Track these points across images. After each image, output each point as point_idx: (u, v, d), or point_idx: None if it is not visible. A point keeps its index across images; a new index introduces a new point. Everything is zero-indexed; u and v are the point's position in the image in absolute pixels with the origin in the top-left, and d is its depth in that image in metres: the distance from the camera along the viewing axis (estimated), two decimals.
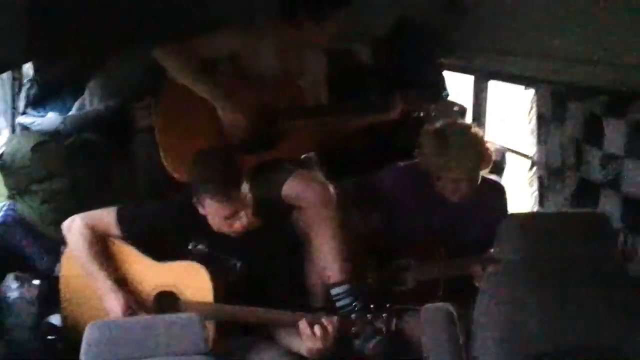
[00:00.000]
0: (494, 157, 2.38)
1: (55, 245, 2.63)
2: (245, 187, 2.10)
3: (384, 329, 1.97)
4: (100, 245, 2.16)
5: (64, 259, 2.25)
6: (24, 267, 2.57)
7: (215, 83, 2.46)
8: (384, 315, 1.97)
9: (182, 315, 1.98)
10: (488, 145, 2.34)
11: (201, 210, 2.12)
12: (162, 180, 2.65)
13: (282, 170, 2.43)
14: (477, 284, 2.25)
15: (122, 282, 2.14)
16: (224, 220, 2.10)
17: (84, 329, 1.69)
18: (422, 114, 2.65)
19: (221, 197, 2.05)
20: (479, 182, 2.36)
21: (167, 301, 2.15)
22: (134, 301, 2.12)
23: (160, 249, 2.17)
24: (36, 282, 2.45)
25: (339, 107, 2.70)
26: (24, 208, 2.67)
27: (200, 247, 2.17)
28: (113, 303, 2.09)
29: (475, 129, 2.36)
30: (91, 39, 2.90)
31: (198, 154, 2.17)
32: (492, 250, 2.22)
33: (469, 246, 2.39)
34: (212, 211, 2.10)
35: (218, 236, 2.16)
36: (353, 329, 1.99)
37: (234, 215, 2.08)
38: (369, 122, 2.69)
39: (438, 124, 2.37)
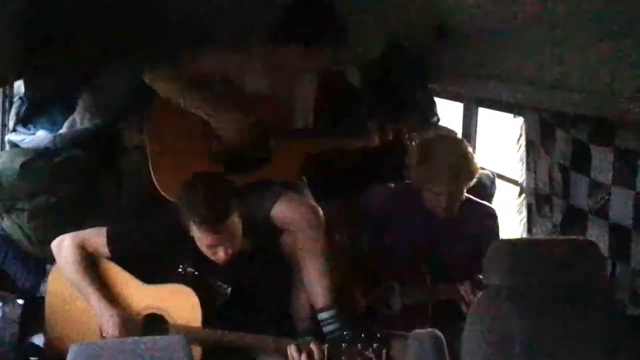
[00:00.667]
0: (478, 174, 2.38)
1: (40, 265, 2.61)
2: (235, 220, 2.08)
3: (374, 359, 1.95)
4: (91, 265, 2.15)
5: (51, 279, 2.23)
6: (8, 286, 2.53)
7: (206, 98, 2.45)
8: (374, 344, 1.96)
9: (167, 336, 1.95)
10: (474, 160, 2.35)
11: (191, 232, 2.11)
12: (150, 199, 2.64)
13: (271, 192, 2.43)
14: (463, 309, 2.26)
15: (111, 302, 2.12)
16: (208, 249, 2.10)
17: (67, 350, 1.66)
18: (412, 142, 2.67)
19: (206, 227, 2.04)
20: (462, 198, 2.37)
21: (155, 324, 2.13)
22: (127, 320, 2.10)
23: (150, 271, 2.16)
24: (20, 301, 2.42)
25: (323, 131, 2.71)
26: (10, 226, 2.65)
27: (190, 269, 2.16)
28: (108, 322, 2.08)
29: (463, 144, 2.38)
30: (82, 56, 2.91)
31: (192, 177, 2.14)
32: (480, 275, 2.24)
33: (457, 270, 2.39)
34: (197, 237, 2.09)
35: (207, 259, 2.15)
36: (343, 358, 1.97)
37: (217, 245, 2.08)
38: (352, 147, 2.71)
39: (426, 136, 2.40)
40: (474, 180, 2.35)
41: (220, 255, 2.10)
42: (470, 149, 2.38)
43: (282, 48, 2.47)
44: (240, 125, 2.45)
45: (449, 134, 2.75)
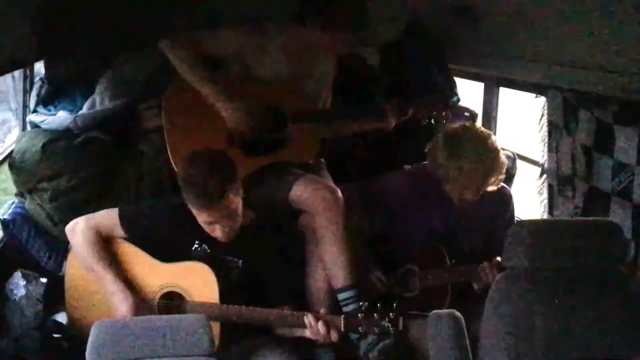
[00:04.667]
0: (505, 169, 2.34)
1: (62, 244, 2.64)
2: (231, 198, 2.05)
3: (391, 329, 1.96)
4: (105, 247, 2.17)
5: (70, 258, 2.25)
6: (31, 265, 2.57)
7: (219, 82, 2.43)
8: (391, 314, 1.96)
9: (188, 315, 1.98)
10: (502, 157, 2.29)
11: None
12: (168, 181, 2.65)
13: (290, 174, 2.43)
14: (475, 287, 2.25)
15: (127, 282, 2.14)
16: (205, 225, 2.10)
17: (89, 328, 1.69)
18: (432, 121, 2.64)
19: (198, 204, 2.04)
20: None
21: (173, 302, 2.15)
22: (141, 302, 2.12)
23: (164, 249, 2.17)
24: (43, 280, 2.46)
25: (340, 112, 2.70)
26: (32, 206, 2.68)
27: (204, 247, 2.17)
28: (121, 304, 2.09)
29: (491, 139, 2.29)
30: (102, 37, 2.91)
31: (192, 154, 2.13)
32: (498, 258, 2.23)
33: (474, 251, 2.37)
34: (194, 214, 2.09)
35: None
36: (360, 328, 1.98)
37: (213, 223, 2.08)
38: (368, 129, 2.69)
39: (453, 128, 2.35)
40: (502, 176, 2.31)
41: (218, 233, 2.10)
42: (496, 143, 2.30)
43: (300, 29, 2.46)
44: (237, 118, 2.42)
45: (473, 124, 2.69)
